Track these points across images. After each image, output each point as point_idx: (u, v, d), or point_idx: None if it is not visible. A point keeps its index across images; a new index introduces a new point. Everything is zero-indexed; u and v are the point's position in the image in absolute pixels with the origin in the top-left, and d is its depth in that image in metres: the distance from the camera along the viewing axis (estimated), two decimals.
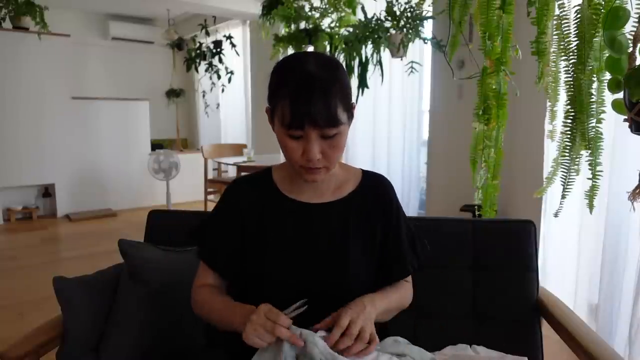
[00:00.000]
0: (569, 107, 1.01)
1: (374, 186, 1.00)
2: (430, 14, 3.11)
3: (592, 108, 0.97)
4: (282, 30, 3.71)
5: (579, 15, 0.94)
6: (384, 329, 0.99)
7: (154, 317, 1.21)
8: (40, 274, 3.18)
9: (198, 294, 0.97)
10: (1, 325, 2.40)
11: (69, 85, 4.81)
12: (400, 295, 0.97)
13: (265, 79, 0.89)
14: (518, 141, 2.64)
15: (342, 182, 0.99)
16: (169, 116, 6.76)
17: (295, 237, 0.93)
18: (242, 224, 0.95)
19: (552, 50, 1.12)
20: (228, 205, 0.98)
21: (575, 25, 0.96)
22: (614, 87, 0.90)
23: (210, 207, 3.36)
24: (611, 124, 1.86)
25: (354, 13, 3.39)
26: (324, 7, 3.40)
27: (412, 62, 2.98)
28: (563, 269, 2.41)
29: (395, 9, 3.05)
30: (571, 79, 0.99)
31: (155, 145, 5.82)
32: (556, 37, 1.02)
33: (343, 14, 3.39)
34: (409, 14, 3.04)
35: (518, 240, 1.30)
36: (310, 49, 3.41)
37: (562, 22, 0.99)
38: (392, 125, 4.01)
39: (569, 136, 1.03)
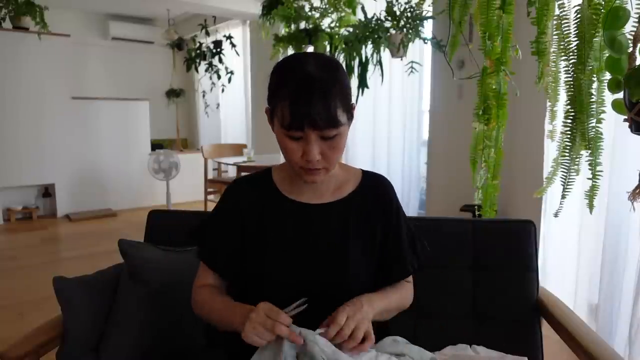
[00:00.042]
0: (569, 107, 1.01)
1: (374, 186, 1.00)
2: (430, 14, 3.11)
3: (592, 108, 0.97)
4: (282, 30, 3.71)
5: (579, 15, 0.94)
6: (384, 329, 0.99)
7: (154, 317, 1.21)
8: (40, 274, 3.18)
9: (198, 294, 0.97)
10: (1, 325, 2.40)
11: (69, 85, 4.81)
12: (400, 295, 0.97)
13: (265, 79, 0.89)
14: (518, 141, 2.64)
15: (342, 183, 0.98)
16: (169, 116, 6.76)
17: (295, 238, 0.93)
18: (242, 224, 0.95)
19: (552, 50, 1.12)
20: (228, 206, 0.98)
21: (575, 25, 0.96)
22: (614, 87, 0.90)
23: (210, 207, 3.36)
24: (611, 124, 1.86)
25: (354, 13, 3.39)
26: (324, 7, 3.40)
27: (412, 62, 2.98)
28: (563, 269, 2.41)
29: (395, 9, 3.05)
30: (571, 79, 0.99)
31: (155, 145, 5.82)
32: (556, 37, 1.02)
33: (343, 14, 3.39)
34: (409, 14, 3.04)
35: (518, 240, 1.30)
36: (310, 49, 3.41)
37: (562, 22, 0.99)
38: (392, 125, 4.01)
39: (569, 136, 1.03)
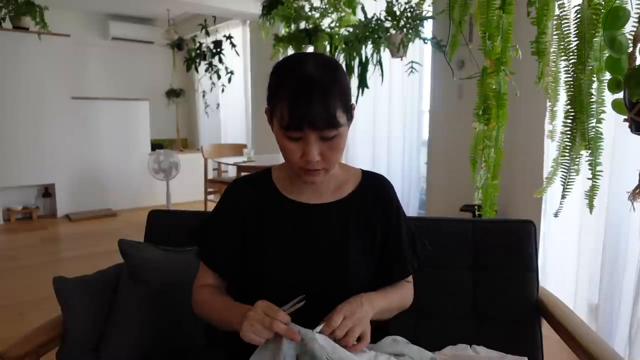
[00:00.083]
0: (569, 107, 1.01)
1: (374, 186, 1.00)
2: (430, 14, 3.11)
3: (592, 108, 0.97)
4: (282, 30, 3.71)
5: (579, 15, 0.94)
6: (384, 329, 0.99)
7: (154, 317, 1.21)
8: (40, 274, 3.18)
9: (198, 294, 0.97)
10: (1, 325, 2.40)
11: (69, 85, 4.81)
12: (400, 295, 0.97)
13: (265, 79, 0.88)
14: (518, 141, 2.64)
15: (341, 183, 0.98)
16: (169, 116, 6.76)
17: (295, 238, 0.93)
18: (242, 224, 0.95)
19: (552, 50, 1.12)
20: (228, 206, 0.98)
21: (575, 25, 0.96)
22: (614, 87, 0.90)
23: (210, 207, 3.36)
24: (611, 124, 1.86)
25: (354, 13, 3.39)
26: (324, 7, 3.40)
27: (412, 62, 2.99)
28: (563, 269, 2.41)
29: (395, 9, 3.05)
30: (571, 79, 0.99)
31: (155, 145, 5.82)
32: (556, 37, 1.02)
33: (343, 14, 3.39)
34: (409, 14, 3.04)
35: (518, 240, 1.30)
36: (310, 49, 3.41)
37: (562, 22, 0.99)
38: (392, 125, 4.01)
39: (569, 136, 1.03)
